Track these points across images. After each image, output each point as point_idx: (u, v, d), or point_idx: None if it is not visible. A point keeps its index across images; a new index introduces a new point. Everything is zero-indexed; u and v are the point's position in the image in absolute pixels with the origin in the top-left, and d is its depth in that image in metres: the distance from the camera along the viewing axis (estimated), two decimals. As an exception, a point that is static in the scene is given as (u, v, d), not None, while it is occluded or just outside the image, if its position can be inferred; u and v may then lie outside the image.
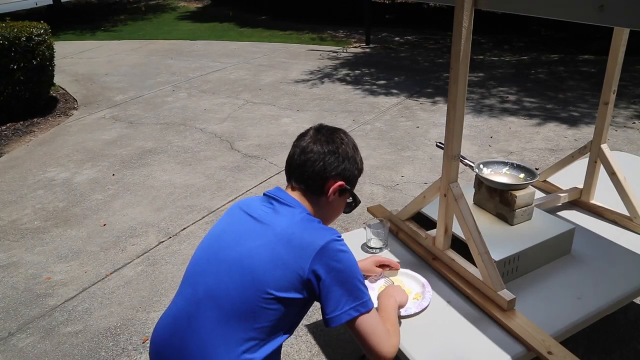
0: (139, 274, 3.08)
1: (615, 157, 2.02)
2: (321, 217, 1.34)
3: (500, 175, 1.98)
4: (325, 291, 1.19)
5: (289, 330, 1.27)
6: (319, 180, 1.32)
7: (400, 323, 1.53)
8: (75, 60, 9.17)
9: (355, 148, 1.39)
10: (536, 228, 1.81)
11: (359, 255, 1.91)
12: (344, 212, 1.44)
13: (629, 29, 1.64)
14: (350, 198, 1.43)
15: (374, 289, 1.67)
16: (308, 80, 7.23)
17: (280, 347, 1.25)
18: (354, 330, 1.23)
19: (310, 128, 1.41)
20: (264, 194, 1.37)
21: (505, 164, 2.02)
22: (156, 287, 2.96)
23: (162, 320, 1.32)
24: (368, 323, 1.23)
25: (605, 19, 1.07)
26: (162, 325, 1.31)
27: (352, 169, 1.36)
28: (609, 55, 1.86)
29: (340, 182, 1.33)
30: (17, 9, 14.80)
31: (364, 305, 1.23)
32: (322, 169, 1.31)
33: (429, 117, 5.61)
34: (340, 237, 1.25)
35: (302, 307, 1.26)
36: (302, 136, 1.38)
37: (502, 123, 5.37)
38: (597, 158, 2.04)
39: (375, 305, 1.47)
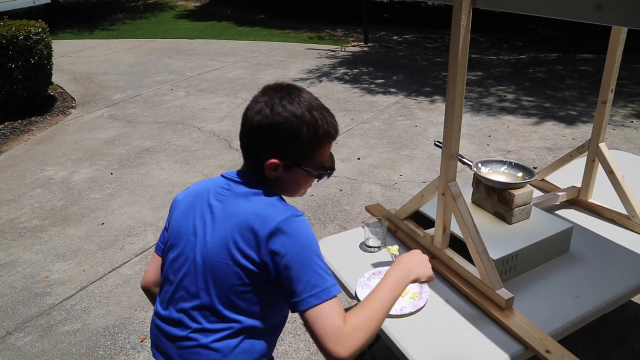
0: (137, 273, 3.08)
1: (613, 156, 2.02)
2: (282, 193, 1.22)
3: (499, 174, 1.98)
4: (283, 275, 1.07)
5: (274, 320, 1.20)
6: (254, 157, 1.19)
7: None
8: (74, 59, 9.16)
9: (301, 116, 1.14)
10: (534, 227, 1.81)
11: (358, 255, 1.91)
12: (317, 180, 1.25)
13: (627, 27, 1.64)
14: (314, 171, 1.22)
15: (371, 287, 1.67)
16: (306, 79, 7.22)
17: (269, 339, 1.21)
18: (305, 319, 1.06)
19: (264, 87, 1.21)
20: (222, 175, 1.26)
21: (503, 162, 2.02)
22: (154, 286, 2.96)
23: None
24: (323, 315, 1.04)
25: (603, 18, 1.07)
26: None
27: (289, 144, 1.15)
28: (607, 54, 1.86)
29: (272, 160, 1.15)
30: (15, 8, 14.76)
31: (326, 293, 1.07)
32: (256, 145, 1.17)
33: (427, 116, 5.61)
34: (299, 214, 1.13)
35: (272, 289, 1.13)
36: (252, 102, 1.20)
37: (500, 122, 5.38)
38: (595, 157, 2.04)
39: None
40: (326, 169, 1.26)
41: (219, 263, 1.13)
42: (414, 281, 1.25)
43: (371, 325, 1.08)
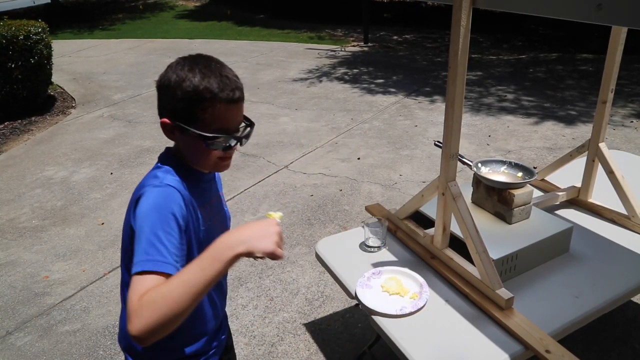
0: (137, 273, 3.08)
1: (613, 156, 2.02)
2: (189, 162, 1.21)
3: (499, 174, 1.98)
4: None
5: None
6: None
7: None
8: (73, 59, 9.15)
9: (183, 74, 1.12)
10: (534, 227, 1.81)
11: (358, 255, 1.91)
12: (223, 150, 1.17)
13: (627, 27, 1.64)
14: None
15: (371, 287, 1.67)
16: (306, 79, 7.22)
17: None
18: None
19: None
20: None
21: (503, 162, 2.03)
22: (154, 286, 2.96)
23: None
24: (130, 287, 0.99)
25: (603, 18, 1.07)
26: None
27: (171, 101, 1.14)
28: (607, 54, 1.87)
29: (163, 119, 1.16)
30: (15, 8, 14.76)
31: (139, 265, 1.01)
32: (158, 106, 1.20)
33: (427, 115, 5.61)
34: (160, 185, 1.13)
35: None
36: None
37: (500, 122, 5.38)
38: (595, 157, 2.05)
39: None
40: (205, 137, 1.13)
41: (123, 229, 1.21)
42: (247, 255, 1.01)
43: (163, 305, 0.94)
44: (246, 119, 1.23)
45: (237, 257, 1.00)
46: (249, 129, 1.23)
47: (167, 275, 1.01)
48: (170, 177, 1.16)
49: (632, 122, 5.21)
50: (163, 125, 1.16)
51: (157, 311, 0.94)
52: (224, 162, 1.21)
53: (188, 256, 1.13)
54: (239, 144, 1.20)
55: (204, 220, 1.21)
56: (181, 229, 1.09)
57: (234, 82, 1.15)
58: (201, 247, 1.15)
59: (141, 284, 0.98)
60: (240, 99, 1.17)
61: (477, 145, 4.81)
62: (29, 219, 3.77)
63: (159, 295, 0.95)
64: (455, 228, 1.70)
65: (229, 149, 1.18)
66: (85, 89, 7.21)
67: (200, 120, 1.13)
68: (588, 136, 2.07)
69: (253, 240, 1.01)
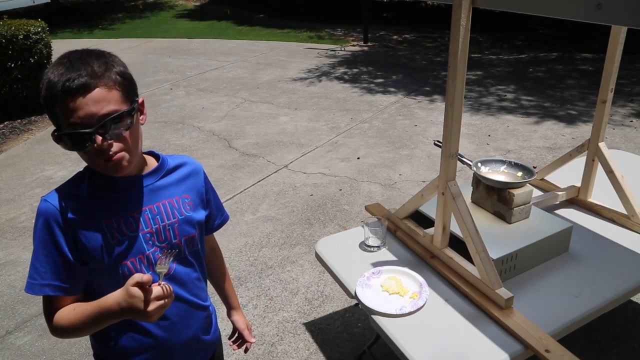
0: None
1: (612, 156, 2.02)
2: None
3: (498, 174, 1.98)
4: None
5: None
6: None
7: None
8: (73, 58, 9.15)
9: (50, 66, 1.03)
10: (534, 226, 1.81)
11: (358, 254, 1.91)
12: (84, 149, 1.05)
13: (626, 27, 1.64)
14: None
15: (371, 287, 1.67)
16: (306, 79, 7.22)
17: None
18: None
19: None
20: None
21: (503, 162, 2.03)
22: (154, 285, 2.95)
23: None
24: None
25: (603, 17, 1.07)
26: None
27: None
28: (606, 53, 1.87)
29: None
30: (15, 7, 14.75)
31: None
32: None
33: (426, 115, 5.61)
34: (41, 199, 1.10)
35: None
36: None
37: (499, 121, 5.38)
38: (594, 156, 2.05)
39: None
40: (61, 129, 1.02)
41: None
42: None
43: (68, 333, 1.14)
44: (131, 103, 1.08)
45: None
46: (118, 118, 1.04)
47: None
48: (54, 191, 1.13)
49: (631, 121, 5.21)
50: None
51: (63, 334, 1.14)
52: (109, 162, 1.06)
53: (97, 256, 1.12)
54: (106, 136, 1.01)
55: (124, 231, 1.13)
56: (56, 242, 1.09)
57: (80, 69, 0.99)
58: (113, 256, 1.13)
59: (44, 309, 1.14)
60: (83, 88, 0.97)
61: (477, 144, 4.81)
62: (28, 218, 3.77)
63: (62, 326, 1.11)
64: (455, 227, 1.70)
65: (87, 147, 1.01)
66: (84, 88, 7.20)
67: (61, 121, 1.00)
68: (588, 136, 2.07)
69: (129, 315, 1.03)
